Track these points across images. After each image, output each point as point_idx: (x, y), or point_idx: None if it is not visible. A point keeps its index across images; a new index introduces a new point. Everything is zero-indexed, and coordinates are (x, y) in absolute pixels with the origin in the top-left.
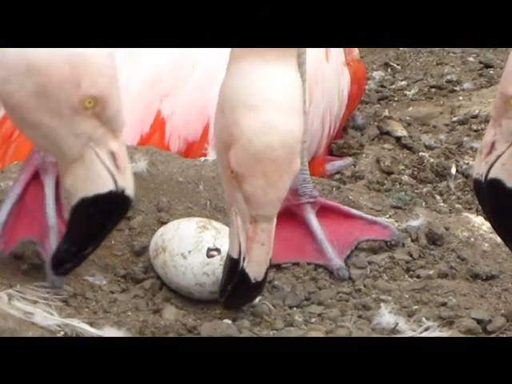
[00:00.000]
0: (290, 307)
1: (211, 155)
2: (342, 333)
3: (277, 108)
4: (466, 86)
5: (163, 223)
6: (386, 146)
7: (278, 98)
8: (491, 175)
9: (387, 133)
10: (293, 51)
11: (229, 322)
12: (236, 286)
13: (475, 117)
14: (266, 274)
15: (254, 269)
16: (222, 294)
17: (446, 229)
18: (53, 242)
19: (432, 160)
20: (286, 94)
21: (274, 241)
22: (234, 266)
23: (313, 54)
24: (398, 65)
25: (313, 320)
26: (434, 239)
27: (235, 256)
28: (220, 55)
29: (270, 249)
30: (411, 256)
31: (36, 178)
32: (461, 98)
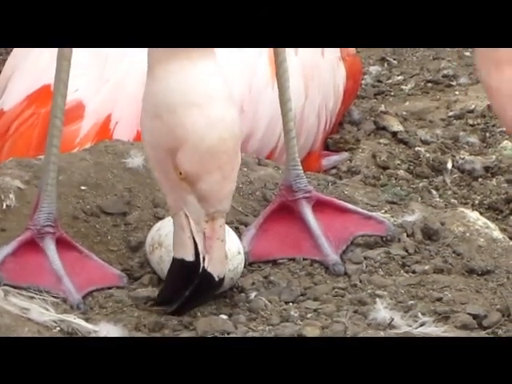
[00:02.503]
0: (286, 302)
1: None
2: (337, 328)
3: (216, 101)
4: (463, 80)
5: (159, 218)
6: (382, 140)
7: (214, 92)
8: None
9: (383, 128)
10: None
11: (224, 317)
12: (197, 288)
13: (471, 111)
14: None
15: (217, 267)
16: (172, 302)
17: (442, 224)
18: (69, 286)
19: (428, 155)
20: (220, 86)
21: (270, 236)
22: (190, 270)
23: (309, 50)
24: (394, 59)
25: (308, 315)
26: (429, 234)
27: (191, 258)
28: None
29: (225, 243)
30: (407, 251)
31: (33, 242)
32: (457, 92)
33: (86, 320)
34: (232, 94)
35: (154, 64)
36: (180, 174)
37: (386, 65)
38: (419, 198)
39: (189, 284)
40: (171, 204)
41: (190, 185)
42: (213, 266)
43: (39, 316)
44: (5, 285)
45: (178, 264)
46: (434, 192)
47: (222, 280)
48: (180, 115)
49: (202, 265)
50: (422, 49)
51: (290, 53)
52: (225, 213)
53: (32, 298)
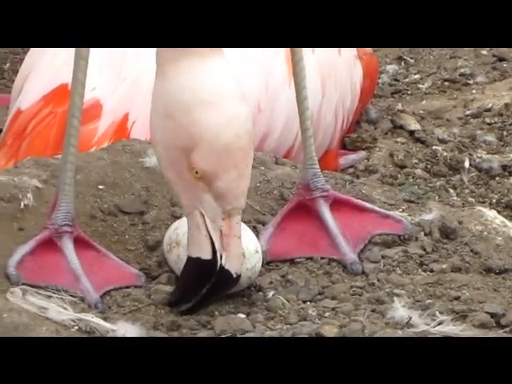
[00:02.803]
0: (304, 301)
1: None
2: (355, 327)
3: (229, 98)
4: (480, 79)
5: (177, 218)
6: (399, 139)
7: (227, 90)
8: None
9: (400, 126)
10: None
11: (242, 316)
12: (215, 286)
13: (488, 110)
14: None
15: (235, 263)
16: (186, 301)
17: (459, 222)
18: (86, 285)
19: (445, 154)
20: (232, 84)
21: (287, 235)
22: (207, 268)
23: (325, 48)
24: (411, 58)
25: (326, 314)
26: (447, 233)
27: (208, 257)
28: (230, 52)
29: (241, 240)
30: (424, 250)
31: (51, 241)
32: (474, 91)
33: (104, 319)
34: (243, 91)
35: (164, 63)
36: (196, 173)
37: (402, 64)
38: (436, 197)
39: (206, 282)
40: (185, 203)
41: (206, 183)
42: (230, 262)
43: (57, 315)
44: (23, 284)
45: (193, 263)
46: (452, 191)
47: (239, 277)
48: (194, 114)
49: (219, 262)
50: (438, 48)
51: (307, 51)
52: (241, 209)
53: (50, 297)
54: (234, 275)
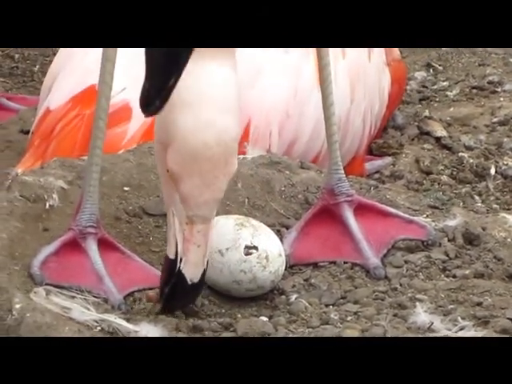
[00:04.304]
0: (326, 305)
1: (250, 153)
2: (377, 331)
3: (212, 106)
4: (508, 87)
5: None
6: (425, 146)
7: (213, 97)
8: None
9: (427, 133)
10: (231, 50)
11: (265, 319)
12: (173, 288)
13: None
14: (203, 275)
15: (191, 270)
16: (161, 295)
17: (483, 229)
18: (110, 286)
19: (471, 160)
20: (222, 92)
21: (311, 239)
22: (171, 267)
23: (356, 53)
24: (439, 65)
25: (348, 318)
26: (470, 239)
27: (172, 257)
28: (260, 55)
29: (205, 250)
30: (448, 256)
31: (75, 242)
32: (502, 99)
33: (127, 320)
34: (237, 102)
35: None
36: (167, 171)
37: (431, 70)
38: (461, 203)
39: (168, 282)
40: (165, 199)
41: (174, 183)
42: (187, 269)
43: (80, 315)
44: (46, 284)
45: (165, 259)
46: (477, 197)
47: (196, 285)
48: (175, 113)
49: (178, 265)
50: (467, 55)
51: (337, 56)
52: (206, 220)
53: (73, 297)
54: (189, 282)
